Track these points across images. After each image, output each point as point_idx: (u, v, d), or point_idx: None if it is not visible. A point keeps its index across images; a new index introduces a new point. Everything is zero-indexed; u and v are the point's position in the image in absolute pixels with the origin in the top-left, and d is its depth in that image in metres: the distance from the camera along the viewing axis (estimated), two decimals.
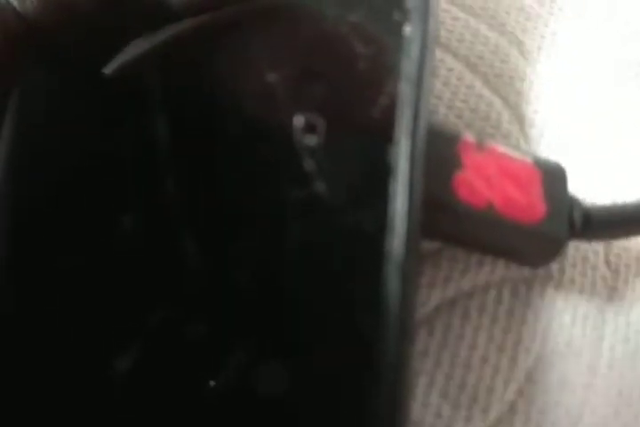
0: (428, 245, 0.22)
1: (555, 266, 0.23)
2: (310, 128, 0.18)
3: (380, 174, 0.18)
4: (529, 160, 0.21)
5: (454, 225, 0.20)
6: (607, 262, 0.24)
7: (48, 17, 0.19)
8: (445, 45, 0.25)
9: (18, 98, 0.18)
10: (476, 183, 0.20)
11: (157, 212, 0.18)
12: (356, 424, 0.17)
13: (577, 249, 0.23)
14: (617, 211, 0.23)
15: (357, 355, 0.17)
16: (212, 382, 0.17)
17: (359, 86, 0.19)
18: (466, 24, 0.26)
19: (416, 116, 0.19)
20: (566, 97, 0.25)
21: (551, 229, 0.21)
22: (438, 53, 0.25)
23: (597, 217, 0.22)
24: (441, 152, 0.20)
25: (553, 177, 0.21)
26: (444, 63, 0.25)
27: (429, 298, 0.22)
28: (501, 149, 0.21)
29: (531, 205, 0.21)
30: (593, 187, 0.24)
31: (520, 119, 0.25)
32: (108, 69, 0.19)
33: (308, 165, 0.18)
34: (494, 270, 0.22)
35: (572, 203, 0.21)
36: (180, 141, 0.18)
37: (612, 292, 0.23)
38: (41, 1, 0.19)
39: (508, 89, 0.25)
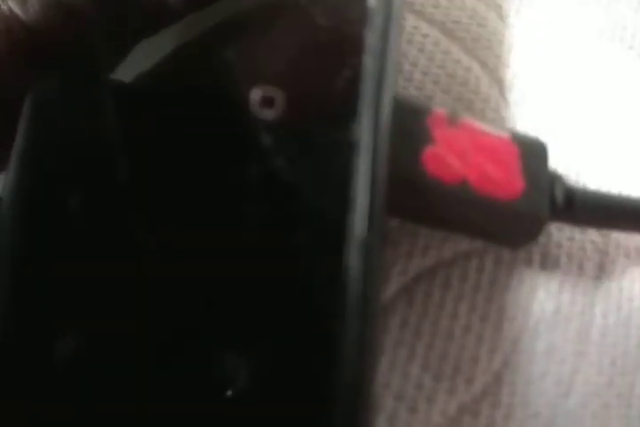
0: None
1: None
2: (268, 102, 0.18)
3: (343, 149, 0.17)
4: (506, 135, 0.20)
5: (426, 202, 0.19)
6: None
7: (51, 23, 0.19)
8: (420, 12, 0.24)
9: (27, 106, 0.18)
10: (448, 158, 0.19)
11: (114, 190, 0.17)
12: (317, 400, 0.16)
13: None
14: (603, 196, 0.21)
15: (320, 333, 0.16)
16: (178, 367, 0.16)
17: (322, 59, 0.18)
18: None
19: (380, 89, 0.18)
20: (546, 60, 0.25)
21: (530, 206, 0.20)
22: (413, 20, 0.24)
23: (581, 197, 0.20)
24: (409, 126, 0.19)
25: (532, 152, 0.20)
26: (419, 30, 0.24)
27: (408, 267, 0.21)
28: (475, 123, 0.20)
29: (508, 180, 0.19)
30: (573, 153, 0.23)
31: (500, 83, 0.24)
32: (116, 74, 0.19)
33: (266, 140, 0.17)
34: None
35: (554, 179, 0.20)
36: (135, 119, 0.18)
37: (603, 256, 0.22)
38: (43, 8, 0.19)
39: (486, 53, 0.24)
